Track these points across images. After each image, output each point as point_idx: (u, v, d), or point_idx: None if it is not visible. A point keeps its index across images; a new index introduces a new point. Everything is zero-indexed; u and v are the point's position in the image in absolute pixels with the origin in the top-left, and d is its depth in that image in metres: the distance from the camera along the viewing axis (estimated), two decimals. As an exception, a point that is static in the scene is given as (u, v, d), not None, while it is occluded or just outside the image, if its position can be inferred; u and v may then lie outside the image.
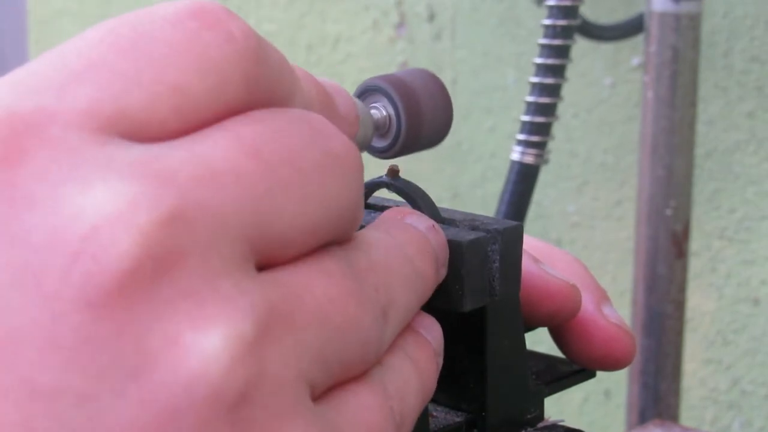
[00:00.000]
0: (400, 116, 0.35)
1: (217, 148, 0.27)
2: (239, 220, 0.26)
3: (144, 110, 0.27)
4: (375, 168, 0.37)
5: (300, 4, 1.48)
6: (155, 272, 0.25)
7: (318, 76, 0.32)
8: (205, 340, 0.25)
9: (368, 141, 0.35)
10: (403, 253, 0.32)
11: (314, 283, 0.28)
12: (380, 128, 0.36)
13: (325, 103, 0.32)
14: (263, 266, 0.27)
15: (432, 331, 0.34)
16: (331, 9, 1.45)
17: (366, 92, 0.36)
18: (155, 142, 0.27)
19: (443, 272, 0.35)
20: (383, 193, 0.39)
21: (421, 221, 0.34)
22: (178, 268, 0.25)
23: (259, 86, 0.29)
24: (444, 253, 0.35)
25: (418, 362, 0.32)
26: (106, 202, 0.25)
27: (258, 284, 0.26)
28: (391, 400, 0.30)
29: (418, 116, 0.36)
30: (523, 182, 1.09)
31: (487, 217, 0.38)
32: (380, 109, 0.36)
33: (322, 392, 0.28)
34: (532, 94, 1.08)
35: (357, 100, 0.35)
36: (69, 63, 0.27)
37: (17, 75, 0.27)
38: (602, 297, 0.43)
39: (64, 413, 0.24)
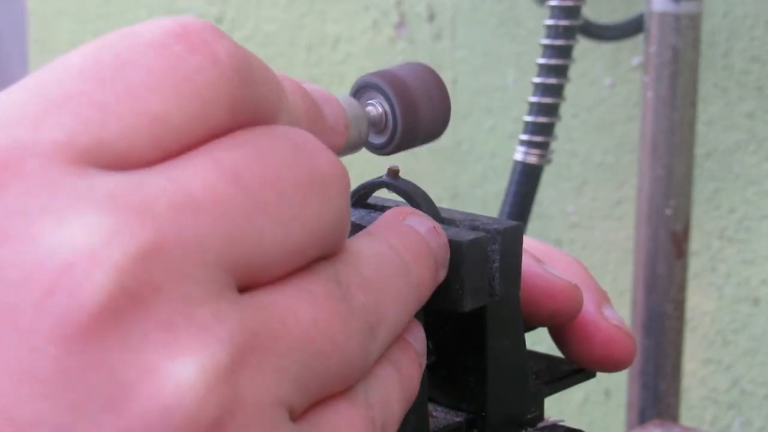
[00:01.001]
0: (395, 112, 0.35)
1: (196, 175, 0.27)
2: (218, 247, 0.26)
3: (122, 141, 0.27)
4: (374, 168, 0.37)
5: (300, 4, 1.48)
6: (130, 306, 0.25)
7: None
8: (179, 369, 0.25)
9: (364, 139, 0.35)
10: (398, 262, 0.32)
11: (298, 305, 0.28)
12: (376, 125, 0.36)
13: (312, 114, 0.32)
14: (245, 288, 0.27)
15: (414, 333, 0.33)
16: (331, 9, 1.45)
17: (361, 89, 0.36)
18: (134, 170, 0.27)
19: (443, 273, 0.34)
20: (383, 193, 0.39)
21: (422, 223, 0.34)
22: (153, 301, 0.25)
23: (244, 108, 0.28)
24: (444, 255, 0.34)
25: (401, 368, 0.32)
26: (81, 237, 0.25)
27: (237, 310, 0.27)
28: (373, 411, 0.30)
29: (414, 111, 0.36)
30: (526, 182, 1.08)
31: (487, 217, 0.38)
32: (376, 106, 0.36)
33: (303, 411, 0.28)
34: (535, 94, 1.08)
35: (348, 103, 0.34)
36: (47, 93, 0.27)
37: None
38: (602, 298, 0.43)
39: None
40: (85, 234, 0.25)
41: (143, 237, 0.25)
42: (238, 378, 0.26)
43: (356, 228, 0.34)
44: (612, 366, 0.42)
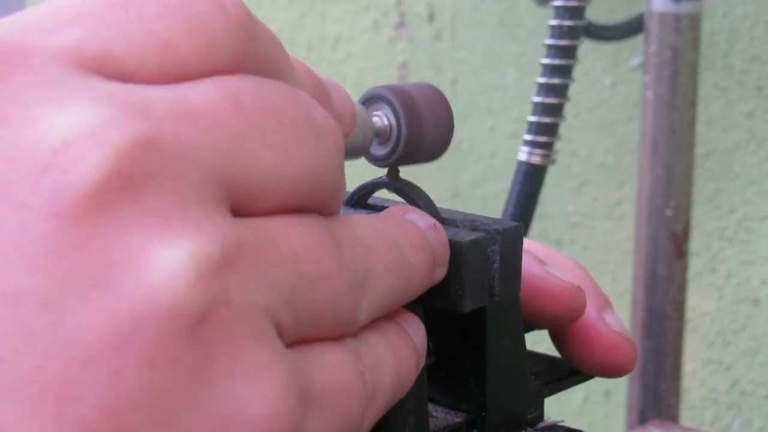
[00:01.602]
0: (401, 126, 0.36)
1: (197, 92, 0.27)
2: (213, 156, 0.26)
3: (130, 59, 0.27)
4: (374, 168, 0.37)
5: (300, 4, 1.48)
6: (124, 189, 0.25)
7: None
8: (170, 254, 0.25)
9: (367, 145, 0.35)
10: (392, 240, 0.32)
11: (290, 232, 0.28)
12: (381, 136, 0.36)
13: (320, 96, 0.32)
14: (239, 214, 0.27)
15: (414, 328, 0.33)
16: (331, 9, 1.45)
17: (370, 100, 0.36)
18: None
19: (441, 272, 0.34)
20: (383, 193, 0.39)
21: (422, 218, 0.34)
22: (147, 189, 0.25)
23: (248, 59, 0.29)
24: (444, 253, 0.34)
25: (397, 351, 0.32)
26: (80, 121, 0.25)
27: (231, 221, 0.27)
28: (363, 368, 0.30)
29: (420, 128, 0.36)
30: (530, 183, 1.08)
31: (487, 218, 0.38)
32: (382, 118, 0.36)
33: (292, 342, 0.28)
34: (539, 94, 1.08)
35: (357, 104, 0.35)
36: (60, 11, 0.28)
37: (8, 18, 0.28)
38: (604, 303, 0.43)
39: (26, 317, 0.24)
40: (83, 118, 0.25)
41: (142, 128, 0.25)
42: (228, 275, 0.26)
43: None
44: (612, 372, 0.42)
